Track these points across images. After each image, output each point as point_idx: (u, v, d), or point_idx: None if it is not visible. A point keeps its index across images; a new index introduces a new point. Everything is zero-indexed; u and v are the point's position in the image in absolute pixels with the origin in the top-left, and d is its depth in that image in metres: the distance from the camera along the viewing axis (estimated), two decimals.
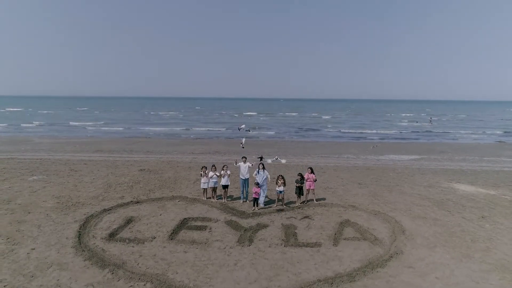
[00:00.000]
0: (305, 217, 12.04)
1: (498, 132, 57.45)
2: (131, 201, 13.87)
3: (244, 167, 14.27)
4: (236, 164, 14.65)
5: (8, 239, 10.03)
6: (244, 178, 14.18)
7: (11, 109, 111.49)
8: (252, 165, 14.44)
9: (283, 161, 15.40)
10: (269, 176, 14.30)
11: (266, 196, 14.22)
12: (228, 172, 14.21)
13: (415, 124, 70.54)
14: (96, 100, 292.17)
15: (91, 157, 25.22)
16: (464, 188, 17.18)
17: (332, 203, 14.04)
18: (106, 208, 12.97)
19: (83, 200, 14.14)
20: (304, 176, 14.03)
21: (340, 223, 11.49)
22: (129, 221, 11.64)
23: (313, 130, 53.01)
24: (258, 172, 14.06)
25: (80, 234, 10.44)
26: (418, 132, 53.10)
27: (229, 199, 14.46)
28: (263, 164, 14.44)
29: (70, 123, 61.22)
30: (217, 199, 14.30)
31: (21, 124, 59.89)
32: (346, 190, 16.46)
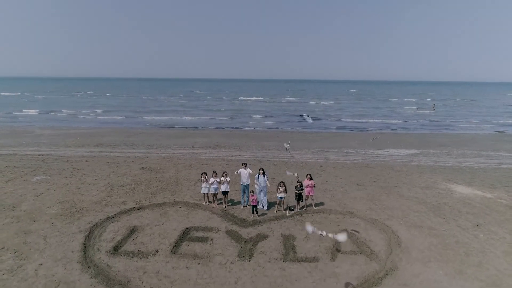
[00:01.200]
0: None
1: (500, 119, 57.47)
2: (134, 207, 14.16)
3: (244, 173, 14.50)
4: (236, 173, 14.85)
5: (16, 253, 10.35)
6: (244, 184, 14.44)
7: (6, 94, 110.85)
8: (253, 172, 14.65)
9: (289, 173, 15.72)
10: (268, 182, 14.57)
11: (267, 200, 14.53)
12: (228, 179, 14.43)
13: (417, 111, 70.45)
14: (91, 83, 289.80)
15: (93, 153, 25.42)
16: (461, 190, 17.44)
17: (330, 209, 14.33)
18: (110, 215, 13.27)
19: (87, 205, 14.43)
20: (303, 183, 14.26)
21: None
22: (132, 231, 11.94)
23: (314, 119, 52.94)
24: (258, 177, 14.34)
25: (85, 247, 10.76)
26: (420, 120, 52.92)
27: (229, 204, 14.76)
28: (263, 169, 14.70)
29: (69, 111, 60.91)
30: (217, 204, 14.60)
31: (22, 111, 59.86)
32: (345, 192, 16.74)
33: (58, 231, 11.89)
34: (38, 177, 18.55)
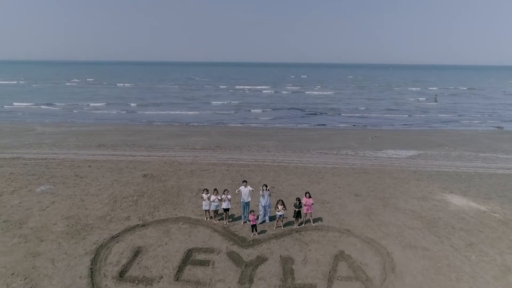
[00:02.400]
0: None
1: (499, 111, 57.62)
2: (137, 224, 14.59)
3: (245, 191, 14.87)
4: (237, 191, 15.19)
5: (26, 279, 10.81)
6: (245, 201, 14.83)
7: (2, 82, 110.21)
8: (253, 190, 15.03)
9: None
10: (269, 198, 15.01)
11: (267, 216, 15.02)
12: (229, 196, 14.79)
13: (418, 102, 70.38)
14: (87, 68, 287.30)
15: (95, 156, 25.75)
16: (456, 201, 17.84)
17: (328, 226, 14.76)
18: (114, 234, 13.71)
19: (91, 221, 14.87)
20: (302, 201, 14.64)
21: (335, 257, 12.25)
22: (137, 252, 12.40)
23: (315, 114, 52.90)
24: (262, 192, 14.77)
25: (92, 272, 11.22)
26: (422, 115, 52.79)
27: (230, 219, 15.20)
28: (266, 185, 15.15)
29: (66, 103, 60.70)
30: (218, 220, 15.03)
31: (13, 104, 59.86)
32: (343, 204, 17.15)
33: (65, 253, 12.34)
34: (42, 187, 18.94)
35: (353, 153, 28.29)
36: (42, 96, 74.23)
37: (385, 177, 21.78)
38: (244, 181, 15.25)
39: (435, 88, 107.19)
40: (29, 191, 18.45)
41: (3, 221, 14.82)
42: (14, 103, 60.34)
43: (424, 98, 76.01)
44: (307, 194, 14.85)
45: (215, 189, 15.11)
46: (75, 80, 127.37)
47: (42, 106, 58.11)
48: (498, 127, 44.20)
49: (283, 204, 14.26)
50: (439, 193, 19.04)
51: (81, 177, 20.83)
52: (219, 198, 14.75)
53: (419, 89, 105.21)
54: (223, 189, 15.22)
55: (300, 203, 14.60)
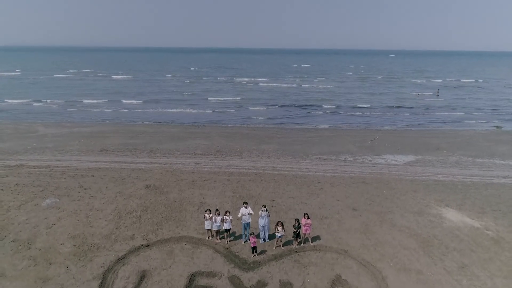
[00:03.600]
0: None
1: (500, 108, 57.81)
2: (142, 245, 15.12)
3: (245, 212, 15.36)
4: (239, 215, 15.62)
5: None
6: (246, 222, 15.34)
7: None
8: (253, 213, 15.52)
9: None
10: (268, 219, 15.51)
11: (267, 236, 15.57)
12: (231, 217, 15.27)
13: (418, 97, 70.46)
14: (83, 55, 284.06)
15: (98, 163, 26.17)
16: (451, 216, 18.34)
17: (326, 246, 15.30)
18: (120, 256, 14.25)
19: (97, 240, 15.41)
20: (301, 222, 15.12)
21: (332, 282, 12.81)
22: (142, 277, 12.95)
23: (316, 112, 53.00)
24: (261, 213, 15.26)
25: None
26: (421, 117, 52.75)
27: (231, 237, 15.74)
28: (265, 205, 15.65)
29: (63, 100, 60.38)
30: (220, 239, 15.57)
31: (4, 101, 59.94)
32: (341, 220, 17.66)
33: (74, 277, 12.89)
34: (48, 201, 19.43)
35: (352, 159, 28.69)
36: (39, 90, 72.99)
37: (383, 188, 22.24)
38: (245, 202, 15.76)
39: (439, 80, 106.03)
40: (35, 205, 18.94)
41: (12, 241, 15.36)
42: (6, 100, 59.20)
43: (426, 93, 75.59)
44: (306, 215, 15.32)
45: (217, 210, 15.61)
46: (71, 71, 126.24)
47: (37, 104, 57.23)
48: (497, 127, 44.49)
49: (282, 225, 14.81)
50: (434, 207, 19.53)
51: (85, 189, 21.31)
52: (221, 219, 15.22)
53: (422, 81, 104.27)
54: (225, 211, 15.72)
55: (299, 224, 15.09)
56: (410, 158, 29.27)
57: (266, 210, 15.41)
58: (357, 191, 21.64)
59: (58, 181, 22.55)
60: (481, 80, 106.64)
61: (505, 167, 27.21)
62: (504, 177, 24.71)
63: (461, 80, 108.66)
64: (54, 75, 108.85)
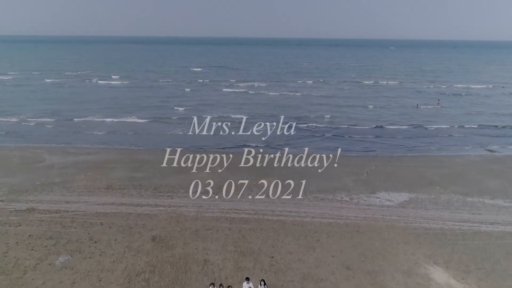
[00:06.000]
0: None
1: (499, 122, 59.26)
2: None
3: (247, 287, 16.72)
4: None
5: None
6: None
7: None
8: None
9: None
10: None
11: None
12: None
13: (417, 108, 71.49)
14: (80, 48, 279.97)
15: (105, 206, 27.45)
16: (438, 278, 19.74)
17: None
18: None
19: None
20: None
21: None
22: None
23: (315, 133, 53.66)
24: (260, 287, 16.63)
25: None
26: (419, 133, 53.55)
27: None
28: (264, 280, 16.98)
29: (61, 118, 59.85)
30: None
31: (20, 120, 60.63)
32: (335, 284, 19.07)
33: None
34: (61, 259, 20.77)
35: (348, 199, 30.01)
36: (32, 104, 70.82)
37: (376, 239, 23.62)
38: (247, 278, 17.11)
39: (443, 86, 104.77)
40: (49, 264, 20.29)
41: None
42: (24, 114, 60.30)
43: (426, 106, 74.82)
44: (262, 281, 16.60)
45: (221, 284, 16.96)
46: (68, 73, 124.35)
47: (32, 124, 56.30)
48: (490, 151, 45.71)
49: None
50: (423, 265, 20.93)
51: (95, 242, 22.65)
52: None
53: (423, 86, 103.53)
54: (228, 285, 17.07)
55: None
56: (404, 197, 30.60)
57: (265, 284, 16.73)
58: (351, 243, 23.03)
59: (68, 231, 23.88)
60: (491, 86, 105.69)
61: (494, 208, 28.58)
62: (491, 223, 26.08)
63: (463, 84, 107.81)
64: (46, 80, 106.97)
